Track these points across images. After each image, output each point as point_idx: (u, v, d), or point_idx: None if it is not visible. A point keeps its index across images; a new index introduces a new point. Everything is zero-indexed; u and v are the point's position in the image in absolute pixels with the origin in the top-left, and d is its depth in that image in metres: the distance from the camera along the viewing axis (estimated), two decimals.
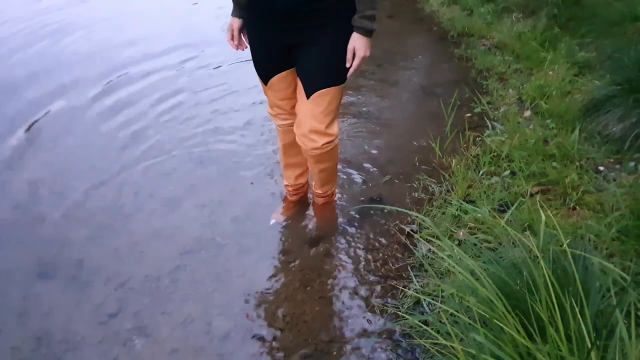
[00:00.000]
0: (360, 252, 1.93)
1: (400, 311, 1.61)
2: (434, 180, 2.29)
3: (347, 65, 1.60)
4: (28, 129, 2.82)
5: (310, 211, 2.18)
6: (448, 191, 2.20)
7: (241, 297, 1.73)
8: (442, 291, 1.58)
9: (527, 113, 2.83)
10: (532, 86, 3.03)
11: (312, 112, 1.69)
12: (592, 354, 0.89)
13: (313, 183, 2.12)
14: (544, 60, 3.31)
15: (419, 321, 1.50)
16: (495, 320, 1.01)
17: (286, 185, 2.16)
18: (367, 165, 2.49)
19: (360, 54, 1.57)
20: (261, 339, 1.58)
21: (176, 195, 2.26)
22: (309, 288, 1.77)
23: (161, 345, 1.57)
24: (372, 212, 2.14)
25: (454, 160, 2.38)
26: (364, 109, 3.11)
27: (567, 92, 2.92)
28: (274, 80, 1.73)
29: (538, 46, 3.51)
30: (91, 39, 4.29)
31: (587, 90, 2.83)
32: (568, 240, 1.35)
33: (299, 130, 1.76)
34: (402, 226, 2.02)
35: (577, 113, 2.62)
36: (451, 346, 1.10)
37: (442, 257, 1.72)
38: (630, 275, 1.31)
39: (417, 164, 2.47)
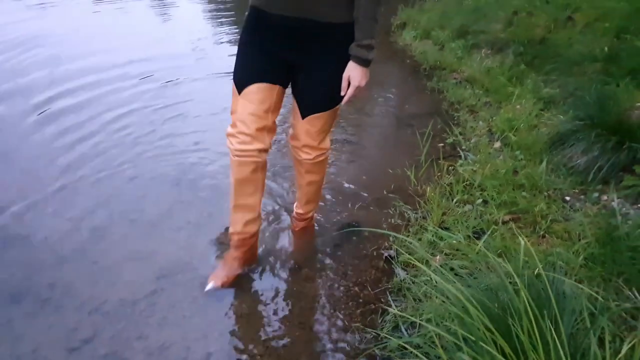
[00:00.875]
0: (339, 278, 1.95)
1: (379, 335, 1.63)
2: (409, 207, 2.35)
3: (342, 93, 1.60)
4: None
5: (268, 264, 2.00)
6: (423, 217, 2.26)
7: (220, 321, 1.72)
8: (421, 315, 1.61)
9: (497, 144, 2.95)
10: (501, 119, 3.17)
11: (307, 131, 1.73)
12: None
13: (296, 204, 2.13)
14: (512, 95, 3.47)
15: (399, 344, 1.52)
16: (479, 342, 1.04)
17: (231, 234, 1.84)
18: (343, 191, 2.54)
19: (354, 83, 1.57)
20: None
21: (149, 216, 2.24)
22: (288, 313, 1.77)
23: None
24: (350, 237, 2.17)
25: (428, 188, 2.45)
26: (340, 136, 3.18)
27: (534, 126, 3.07)
28: (251, 88, 1.59)
29: (506, 81, 3.69)
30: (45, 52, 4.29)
31: (553, 124, 2.98)
32: (541, 266, 1.42)
33: (294, 142, 1.81)
34: (381, 251, 2.06)
35: (543, 145, 2.75)
36: None
37: (421, 283, 1.78)
38: (598, 301, 1.37)
39: (393, 191, 2.53)
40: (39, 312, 1.73)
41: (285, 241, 2.15)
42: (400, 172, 2.67)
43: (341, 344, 1.64)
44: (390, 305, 1.76)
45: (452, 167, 2.65)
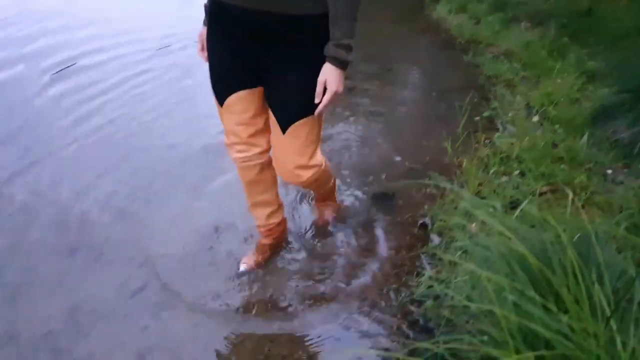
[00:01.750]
0: (373, 242, 2.00)
1: (413, 294, 1.68)
2: (445, 177, 2.37)
3: (317, 100, 1.38)
4: None
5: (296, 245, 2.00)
6: (459, 188, 2.27)
7: (261, 279, 1.80)
8: (455, 277, 1.65)
9: (535, 118, 2.91)
10: (540, 93, 3.11)
11: (292, 146, 1.50)
12: (611, 320, 0.96)
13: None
14: (552, 69, 3.39)
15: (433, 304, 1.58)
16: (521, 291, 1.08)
17: (258, 226, 1.87)
18: (377, 162, 2.57)
19: (332, 88, 1.36)
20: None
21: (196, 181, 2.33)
22: (325, 275, 1.84)
23: (186, 317, 1.63)
24: (385, 205, 2.21)
25: (464, 160, 2.45)
26: (374, 109, 3.19)
27: (575, 100, 3.01)
28: (231, 99, 1.49)
29: (547, 55, 3.60)
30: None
31: (596, 97, 2.91)
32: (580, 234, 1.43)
33: (280, 168, 1.61)
34: (416, 219, 2.09)
35: (585, 119, 2.70)
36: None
37: (456, 248, 1.81)
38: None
39: (428, 162, 2.55)
40: (93, 266, 1.85)
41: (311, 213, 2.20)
42: (435, 145, 2.67)
43: (377, 303, 1.70)
44: (424, 269, 1.80)
45: (489, 140, 2.63)
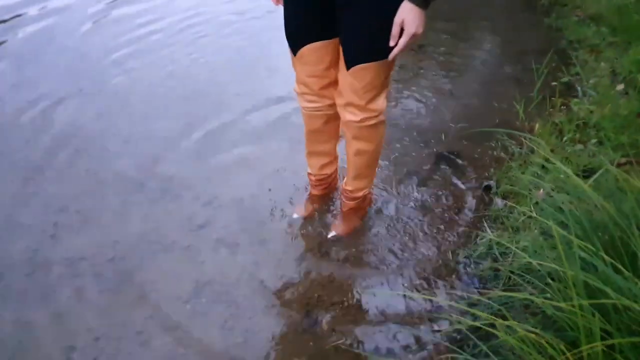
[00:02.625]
0: (435, 201, 1.96)
1: (472, 256, 1.65)
2: (514, 141, 2.26)
3: (392, 43, 1.27)
4: None
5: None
6: (528, 153, 2.17)
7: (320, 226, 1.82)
8: (517, 242, 1.60)
9: (621, 86, 2.69)
10: (629, 60, 2.86)
11: (352, 86, 1.42)
12: None
13: (345, 178, 1.79)
14: None
15: (490, 267, 1.54)
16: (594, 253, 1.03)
17: (309, 174, 1.86)
18: (445, 120, 2.48)
19: (410, 30, 1.23)
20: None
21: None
22: (384, 231, 1.83)
23: (244, 257, 1.69)
24: (449, 165, 2.15)
25: (537, 125, 2.33)
26: (445, 67, 3.06)
27: None
28: (305, 50, 1.43)
29: None
30: None
31: None
32: None
33: (338, 100, 1.52)
34: (480, 181, 2.03)
35: None
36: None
37: (520, 214, 1.75)
38: None
39: (498, 124, 2.43)
40: (160, 199, 1.94)
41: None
42: (506, 107, 2.55)
43: (434, 262, 1.68)
44: (485, 231, 1.75)
45: (566, 106, 2.48)
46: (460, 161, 2.16)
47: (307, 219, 1.85)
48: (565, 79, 2.84)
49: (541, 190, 1.90)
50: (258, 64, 2.96)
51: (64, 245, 1.74)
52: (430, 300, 1.52)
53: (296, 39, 1.43)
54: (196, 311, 1.52)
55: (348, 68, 1.39)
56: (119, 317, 1.50)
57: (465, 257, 1.68)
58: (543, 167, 1.95)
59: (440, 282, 1.60)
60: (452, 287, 1.58)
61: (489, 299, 1.37)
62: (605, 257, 1.03)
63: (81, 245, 1.73)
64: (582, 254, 1.05)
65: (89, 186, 2.00)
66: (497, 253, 1.66)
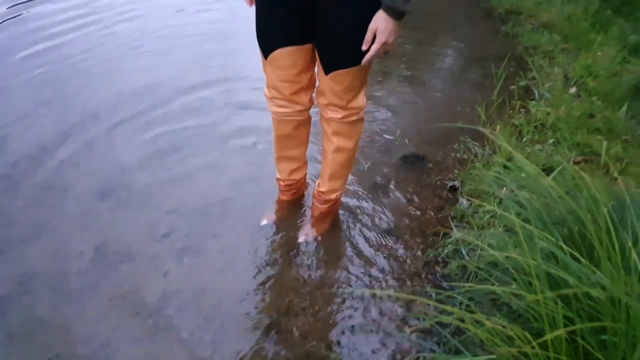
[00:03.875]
0: (402, 202, 1.98)
1: (440, 255, 1.66)
2: (477, 143, 2.32)
3: (364, 47, 1.28)
4: None
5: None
6: (491, 154, 2.23)
7: (290, 227, 1.81)
8: (483, 239, 1.63)
9: (573, 90, 2.81)
10: (579, 65, 3.00)
11: (332, 89, 1.43)
12: None
13: (318, 180, 1.79)
14: (593, 42, 3.26)
15: (460, 264, 1.56)
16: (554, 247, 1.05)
17: (278, 179, 1.84)
18: (411, 124, 2.53)
19: (381, 38, 1.24)
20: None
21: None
22: (348, 233, 1.83)
23: (209, 265, 1.65)
24: (414, 167, 2.18)
25: (498, 126, 2.39)
26: (409, 72, 3.13)
27: (615, 73, 2.89)
28: (277, 54, 1.39)
29: (589, 27, 3.46)
30: None
31: (637, 71, 2.79)
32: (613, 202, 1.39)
33: (320, 99, 1.52)
34: (445, 182, 2.06)
35: (625, 92, 2.59)
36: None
37: (484, 212, 1.78)
38: None
39: (461, 127, 2.49)
40: (123, 208, 1.88)
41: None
42: (469, 110, 2.62)
43: (403, 263, 1.69)
44: (452, 230, 1.78)
45: (524, 108, 2.56)
46: (425, 163, 2.20)
47: (276, 225, 1.83)
48: (523, 83, 2.94)
49: (504, 189, 1.95)
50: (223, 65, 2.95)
51: (15, 259, 1.66)
52: (401, 300, 1.53)
53: (269, 42, 1.39)
54: (162, 323, 1.47)
55: (326, 73, 1.40)
56: (81, 332, 1.43)
57: (433, 256, 1.70)
58: (505, 166, 2.00)
59: (409, 282, 1.61)
60: (422, 286, 1.59)
61: (458, 294, 1.39)
62: (565, 247, 1.06)
63: (37, 259, 1.66)
64: (543, 245, 1.07)
65: (47, 195, 1.92)
66: (464, 251, 1.69)
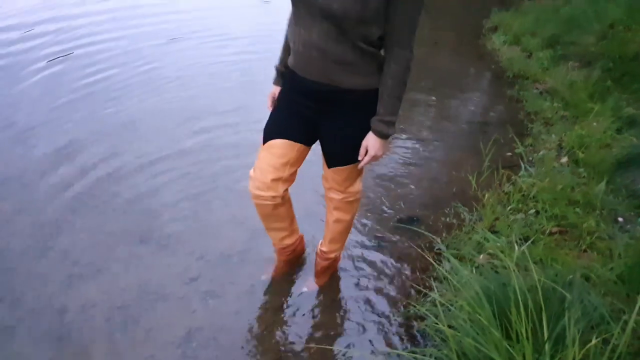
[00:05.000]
0: (393, 260, 2.31)
1: (419, 311, 1.99)
2: (466, 209, 2.64)
3: (359, 157, 1.65)
4: None
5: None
6: (477, 221, 2.54)
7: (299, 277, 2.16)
8: (456, 301, 1.94)
9: (564, 159, 3.10)
10: (573, 135, 3.29)
11: (334, 179, 1.81)
12: (546, 346, 1.24)
13: (321, 240, 2.13)
14: (590, 111, 3.54)
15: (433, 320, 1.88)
16: (481, 319, 1.37)
17: (273, 244, 2.13)
18: (409, 186, 2.87)
19: (371, 152, 1.61)
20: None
21: None
22: (342, 287, 2.18)
23: (229, 307, 2.02)
24: (408, 229, 2.51)
25: (487, 194, 2.71)
26: (412, 134, 3.48)
27: (605, 145, 3.16)
28: (274, 142, 1.70)
29: (586, 97, 3.75)
30: None
31: (625, 145, 3.07)
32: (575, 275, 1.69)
33: (325, 183, 1.87)
34: (433, 244, 2.39)
35: (609, 166, 2.87)
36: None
37: (462, 275, 2.09)
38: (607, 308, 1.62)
39: (455, 193, 2.82)
40: (161, 253, 2.27)
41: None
42: (464, 176, 2.94)
43: (384, 314, 2.02)
44: (432, 289, 2.10)
45: (513, 177, 2.87)
46: (418, 225, 2.53)
47: (275, 280, 2.14)
48: (519, 150, 3.25)
49: (481, 256, 2.26)
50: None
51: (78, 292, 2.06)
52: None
53: (271, 132, 1.72)
54: (188, 354, 1.83)
55: (329, 167, 1.77)
56: (125, 357, 1.80)
57: (413, 312, 2.02)
58: (484, 236, 2.31)
59: (385, 335, 1.93)
60: (401, 339, 1.91)
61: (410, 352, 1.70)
62: (493, 325, 1.37)
63: (92, 294, 2.05)
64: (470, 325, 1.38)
65: (96, 240, 2.33)
66: (440, 310, 2.00)
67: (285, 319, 2.00)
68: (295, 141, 1.70)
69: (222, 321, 1.96)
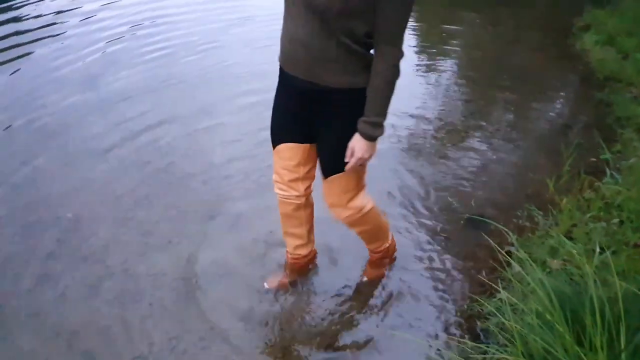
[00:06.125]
0: (459, 259, 2.26)
1: (482, 311, 1.92)
2: (541, 212, 2.50)
3: (346, 159, 1.57)
4: None
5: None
6: (552, 225, 2.40)
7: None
8: (526, 302, 1.85)
9: None
10: None
11: (330, 190, 1.73)
12: (622, 357, 1.16)
13: None
14: None
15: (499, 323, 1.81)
16: (552, 321, 1.30)
17: (286, 252, 2.10)
18: (481, 185, 2.78)
19: (357, 155, 1.53)
20: None
21: None
22: (399, 283, 2.15)
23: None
24: (477, 227, 2.43)
25: (565, 199, 2.55)
26: (489, 132, 3.36)
27: None
28: (281, 147, 1.71)
29: None
30: None
31: None
32: None
33: (325, 199, 1.78)
34: (503, 245, 2.29)
35: None
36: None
37: (533, 279, 2.00)
38: None
39: (529, 195, 2.69)
40: (228, 231, 2.37)
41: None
42: (540, 179, 2.79)
43: (449, 310, 1.98)
44: (498, 290, 2.02)
45: (596, 183, 2.68)
46: (487, 225, 2.44)
47: (278, 291, 2.06)
48: (605, 156, 3.03)
49: (555, 261, 2.14)
50: None
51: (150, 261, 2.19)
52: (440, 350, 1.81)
53: (276, 136, 1.73)
54: (249, 328, 1.89)
55: (324, 177, 1.71)
56: (189, 324, 1.90)
57: (477, 311, 1.95)
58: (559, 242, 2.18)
59: (446, 335, 1.89)
60: (462, 336, 1.86)
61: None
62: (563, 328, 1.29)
63: (163, 265, 2.16)
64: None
65: (168, 215, 2.47)
66: (509, 311, 1.92)
67: (351, 305, 2.01)
68: (300, 142, 1.69)
69: (288, 301, 2.01)
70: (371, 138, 1.53)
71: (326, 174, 1.71)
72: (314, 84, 1.51)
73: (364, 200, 1.77)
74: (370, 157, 1.57)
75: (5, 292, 2.00)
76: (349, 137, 1.55)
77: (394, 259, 2.20)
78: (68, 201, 2.50)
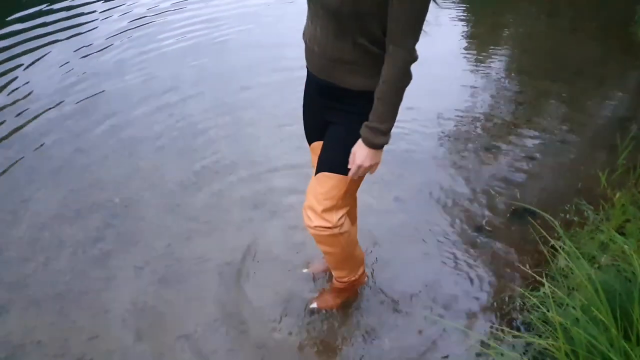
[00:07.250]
0: (503, 251, 2.21)
1: (525, 304, 1.87)
2: (591, 207, 2.40)
3: (349, 165, 1.48)
4: None
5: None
6: (602, 220, 2.30)
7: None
8: (572, 296, 1.79)
9: None
10: None
11: (314, 189, 1.58)
12: None
13: None
14: None
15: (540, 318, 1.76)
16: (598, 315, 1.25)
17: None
18: (529, 177, 2.71)
19: (357, 162, 1.44)
20: None
21: None
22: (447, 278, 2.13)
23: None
24: (523, 219, 2.36)
25: (618, 193, 2.43)
26: (540, 125, 3.24)
27: None
28: (314, 145, 1.72)
29: None
30: None
31: None
32: None
33: (306, 198, 1.64)
34: (549, 239, 2.21)
35: None
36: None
37: (580, 274, 1.92)
38: None
39: (579, 189, 2.58)
40: (271, 220, 2.43)
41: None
42: (593, 173, 2.67)
43: (489, 304, 1.94)
44: (542, 284, 1.95)
45: None
46: (534, 218, 2.36)
47: (318, 277, 2.09)
48: None
49: (604, 257, 2.04)
50: None
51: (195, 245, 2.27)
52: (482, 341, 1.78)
53: (308, 135, 1.75)
54: (289, 313, 1.95)
55: (315, 173, 1.60)
56: (230, 307, 1.96)
57: (519, 304, 1.90)
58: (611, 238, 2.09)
59: (489, 324, 1.85)
60: (500, 327, 1.82)
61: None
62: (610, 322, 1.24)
63: (206, 250, 2.24)
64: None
65: (216, 202, 2.55)
66: (553, 305, 1.86)
67: (392, 291, 2.03)
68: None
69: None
70: (372, 145, 1.42)
71: (317, 169, 1.60)
72: (329, 83, 1.48)
73: (341, 220, 1.60)
74: (371, 167, 1.47)
75: (60, 270, 2.13)
76: (352, 140, 1.47)
77: (357, 294, 2.03)
78: (118, 187, 2.63)
